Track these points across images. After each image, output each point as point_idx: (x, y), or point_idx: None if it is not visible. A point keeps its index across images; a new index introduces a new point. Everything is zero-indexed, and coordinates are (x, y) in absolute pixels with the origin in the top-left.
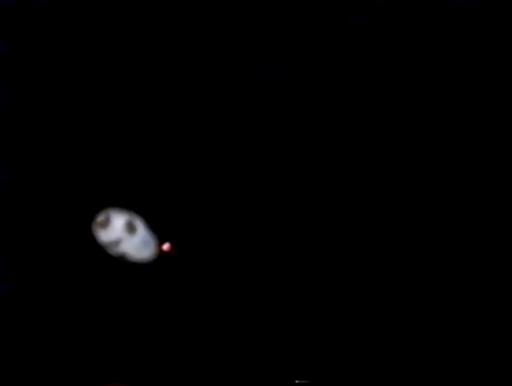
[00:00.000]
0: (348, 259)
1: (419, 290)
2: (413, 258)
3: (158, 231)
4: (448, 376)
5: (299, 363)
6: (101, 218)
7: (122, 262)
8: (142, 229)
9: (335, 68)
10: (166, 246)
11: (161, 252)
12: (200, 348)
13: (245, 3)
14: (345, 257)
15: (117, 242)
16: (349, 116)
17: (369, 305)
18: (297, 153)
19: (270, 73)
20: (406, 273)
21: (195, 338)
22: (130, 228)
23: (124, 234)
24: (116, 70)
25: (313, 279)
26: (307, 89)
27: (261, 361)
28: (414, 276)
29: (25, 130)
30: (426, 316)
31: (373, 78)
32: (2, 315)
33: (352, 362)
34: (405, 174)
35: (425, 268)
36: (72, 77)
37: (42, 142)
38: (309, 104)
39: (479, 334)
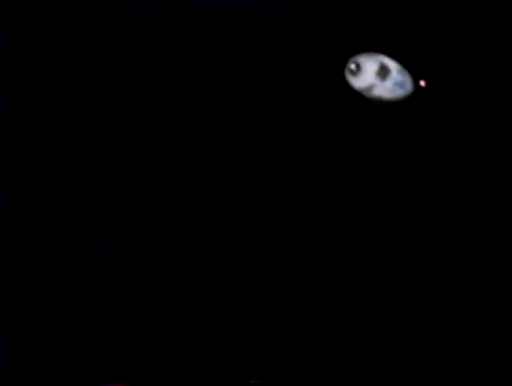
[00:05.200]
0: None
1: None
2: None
3: (413, 67)
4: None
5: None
6: (352, 66)
7: (376, 104)
8: (395, 71)
9: None
10: (422, 82)
11: (417, 89)
12: None
13: None
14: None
15: (370, 87)
16: None
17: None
18: None
19: None
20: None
21: None
22: (383, 73)
23: (377, 79)
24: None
25: None
26: None
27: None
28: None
29: None
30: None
31: None
32: None
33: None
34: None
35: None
36: None
37: None
38: None
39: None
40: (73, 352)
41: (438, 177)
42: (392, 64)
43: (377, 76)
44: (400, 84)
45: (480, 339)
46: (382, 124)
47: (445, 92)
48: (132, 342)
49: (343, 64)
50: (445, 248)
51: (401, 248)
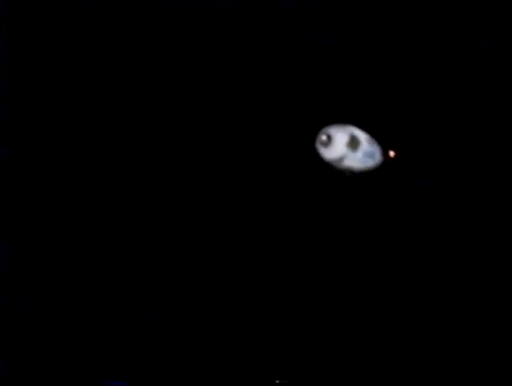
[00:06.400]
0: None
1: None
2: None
3: (382, 139)
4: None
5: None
6: (323, 137)
7: (345, 174)
8: (365, 142)
9: None
10: (391, 153)
11: (386, 160)
12: None
13: None
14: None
15: (341, 159)
16: None
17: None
18: None
19: None
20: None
21: None
22: (353, 144)
23: (347, 151)
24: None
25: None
26: None
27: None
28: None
29: None
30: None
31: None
32: None
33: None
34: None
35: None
36: None
37: None
38: None
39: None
40: (72, 352)
41: (411, 244)
42: (362, 135)
43: (347, 147)
44: (370, 155)
45: None
46: (353, 194)
47: (414, 161)
48: (132, 342)
49: (314, 135)
50: None
51: None
